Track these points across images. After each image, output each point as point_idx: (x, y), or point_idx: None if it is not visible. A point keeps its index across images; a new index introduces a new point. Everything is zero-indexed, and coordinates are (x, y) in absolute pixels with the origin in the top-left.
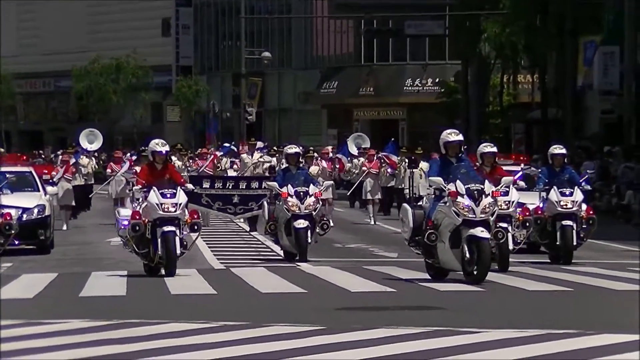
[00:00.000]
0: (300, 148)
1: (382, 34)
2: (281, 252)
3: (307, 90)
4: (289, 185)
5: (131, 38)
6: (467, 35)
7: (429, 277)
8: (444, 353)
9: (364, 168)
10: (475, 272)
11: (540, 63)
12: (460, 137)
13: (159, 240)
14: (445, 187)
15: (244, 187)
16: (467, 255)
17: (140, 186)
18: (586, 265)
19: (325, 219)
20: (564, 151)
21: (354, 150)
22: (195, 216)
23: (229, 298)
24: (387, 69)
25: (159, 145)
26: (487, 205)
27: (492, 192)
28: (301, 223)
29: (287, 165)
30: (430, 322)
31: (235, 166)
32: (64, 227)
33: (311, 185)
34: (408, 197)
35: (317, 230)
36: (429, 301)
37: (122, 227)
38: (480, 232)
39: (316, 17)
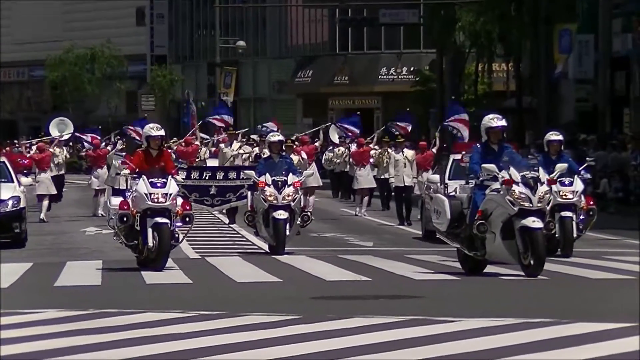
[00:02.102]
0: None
1: (356, 22)
2: (259, 243)
3: (282, 79)
4: (267, 175)
5: (106, 27)
6: (442, 23)
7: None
8: (419, 342)
9: (351, 159)
10: (531, 264)
11: (514, 52)
12: (504, 122)
13: (150, 231)
14: (498, 174)
15: (221, 178)
16: (521, 247)
17: (129, 171)
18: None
19: (306, 210)
20: (560, 137)
21: (335, 138)
22: (187, 207)
23: (205, 287)
24: (361, 58)
25: (154, 129)
26: (544, 194)
27: (547, 179)
28: (281, 214)
29: (269, 153)
30: (406, 311)
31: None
32: (42, 216)
33: (290, 174)
34: (394, 186)
35: (298, 222)
36: (404, 290)
37: (112, 218)
38: (532, 222)
39: (291, 6)
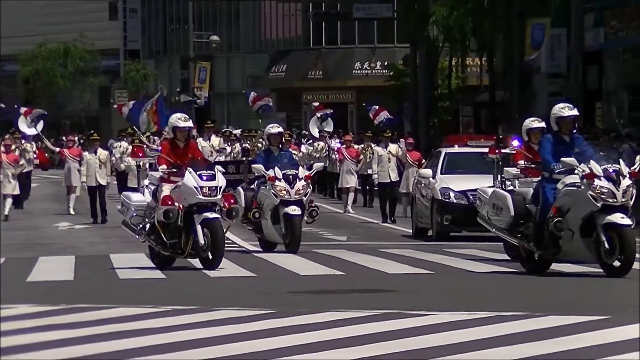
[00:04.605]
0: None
1: (330, 17)
2: (233, 239)
3: (256, 73)
4: (276, 168)
5: (78, 22)
6: (416, 18)
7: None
8: (393, 336)
9: (338, 155)
10: (619, 264)
11: (488, 46)
12: (576, 112)
13: (199, 228)
14: (578, 167)
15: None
16: (606, 245)
17: (165, 166)
18: None
19: (313, 205)
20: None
21: (315, 132)
22: (232, 201)
23: (178, 282)
24: (335, 52)
25: (181, 120)
26: (627, 188)
27: (629, 172)
28: (295, 210)
29: (268, 146)
30: (380, 304)
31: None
32: (6, 212)
33: (300, 167)
34: (378, 183)
35: (306, 218)
36: (378, 284)
37: (134, 215)
38: (621, 218)
39: (264, 0)
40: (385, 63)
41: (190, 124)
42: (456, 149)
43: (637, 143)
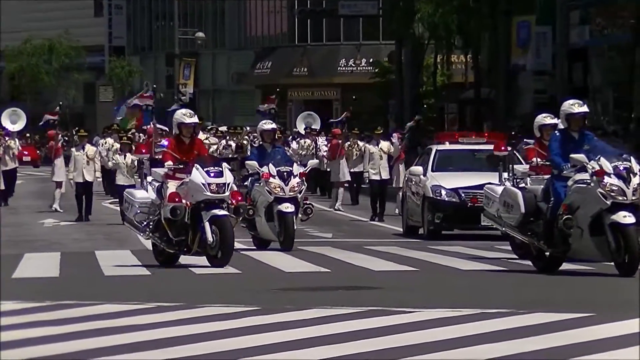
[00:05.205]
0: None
1: (315, 14)
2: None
3: (241, 70)
4: (270, 165)
5: (63, 18)
6: (401, 15)
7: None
8: (378, 333)
9: (340, 151)
10: (626, 262)
11: (473, 43)
12: (586, 109)
13: (207, 225)
14: (588, 164)
15: None
16: (614, 244)
17: (171, 162)
18: None
19: (308, 202)
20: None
21: (301, 129)
22: (239, 198)
23: (163, 279)
24: (321, 49)
25: (187, 116)
26: (638, 186)
27: None
28: (288, 207)
29: (261, 143)
30: (365, 302)
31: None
32: None
33: (294, 164)
34: (369, 180)
35: (300, 216)
36: (363, 281)
37: (138, 212)
38: (623, 217)
39: None
40: (371, 60)
41: (196, 119)
42: (447, 146)
43: (623, 140)
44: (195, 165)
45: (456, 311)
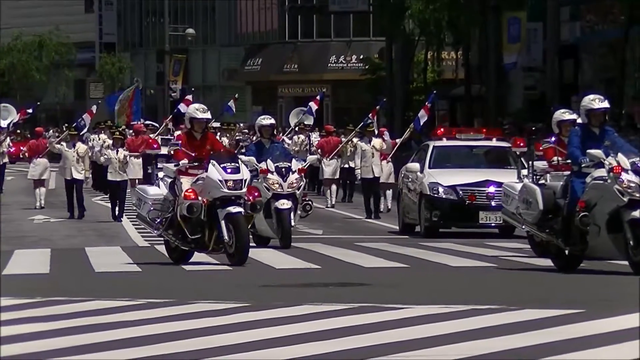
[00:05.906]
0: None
1: (306, 10)
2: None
3: (232, 67)
4: (269, 161)
5: (54, 14)
6: (391, 11)
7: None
8: (368, 329)
9: (318, 149)
10: None
11: (464, 40)
12: (607, 104)
13: (223, 224)
14: (605, 160)
15: None
16: (632, 242)
17: (186, 160)
18: (512, 241)
19: (307, 199)
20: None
21: (292, 124)
22: (256, 194)
23: (153, 275)
24: (311, 46)
25: (199, 111)
26: None
27: None
28: (284, 204)
29: (259, 138)
30: (355, 298)
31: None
32: None
33: (293, 160)
34: (361, 178)
35: (299, 212)
36: (353, 278)
37: (151, 209)
38: None
39: None
40: (361, 56)
41: (208, 115)
42: (444, 142)
43: None
44: (212, 161)
45: (447, 307)
